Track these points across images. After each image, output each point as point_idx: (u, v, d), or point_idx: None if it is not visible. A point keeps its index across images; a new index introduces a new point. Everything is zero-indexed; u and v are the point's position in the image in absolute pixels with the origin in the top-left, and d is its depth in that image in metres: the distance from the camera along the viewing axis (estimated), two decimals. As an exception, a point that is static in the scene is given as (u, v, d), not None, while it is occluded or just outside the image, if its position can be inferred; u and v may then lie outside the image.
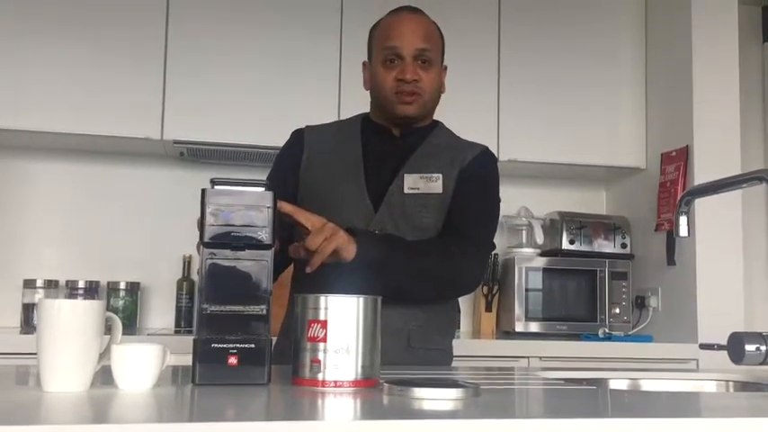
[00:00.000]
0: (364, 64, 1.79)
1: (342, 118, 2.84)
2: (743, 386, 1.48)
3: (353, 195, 1.66)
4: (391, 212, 1.66)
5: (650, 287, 3.03)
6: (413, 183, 1.68)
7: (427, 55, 1.67)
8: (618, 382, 1.49)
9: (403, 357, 1.58)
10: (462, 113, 3.00)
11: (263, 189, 1.16)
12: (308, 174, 1.70)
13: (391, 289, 1.49)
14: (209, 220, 1.13)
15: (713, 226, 2.78)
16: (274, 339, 1.61)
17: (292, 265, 1.77)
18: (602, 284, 3.03)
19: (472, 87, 3.00)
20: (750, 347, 1.21)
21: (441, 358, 1.71)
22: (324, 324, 1.09)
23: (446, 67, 1.78)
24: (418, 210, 1.65)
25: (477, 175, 1.72)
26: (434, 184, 1.69)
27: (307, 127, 1.80)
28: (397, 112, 1.68)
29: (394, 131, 1.73)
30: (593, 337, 2.87)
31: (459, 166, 1.71)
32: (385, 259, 1.52)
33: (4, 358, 2.16)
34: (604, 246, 3.09)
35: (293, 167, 1.72)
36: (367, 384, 1.10)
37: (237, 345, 1.11)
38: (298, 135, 1.78)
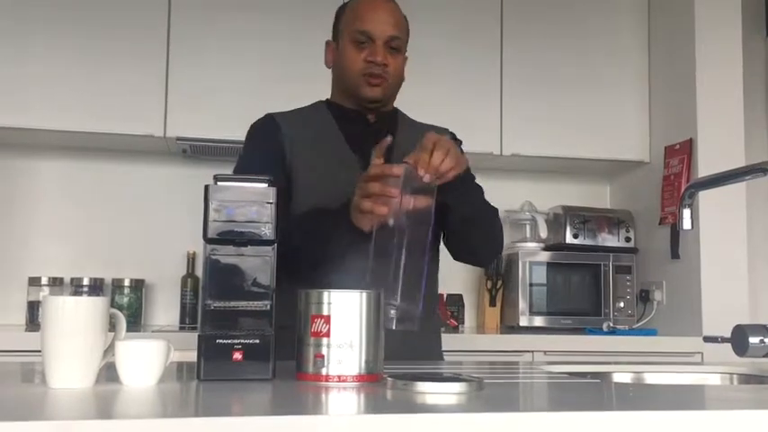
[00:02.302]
0: (328, 43, 1.78)
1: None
2: (747, 379, 1.48)
3: (353, 185, 1.61)
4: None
5: (654, 281, 3.02)
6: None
7: (397, 42, 1.68)
8: (622, 376, 1.49)
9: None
10: (465, 108, 3.01)
11: (266, 185, 1.17)
12: (299, 162, 1.65)
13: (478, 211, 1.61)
14: (211, 215, 1.13)
15: (717, 219, 2.78)
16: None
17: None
18: (607, 278, 3.03)
19: (475, 82, 2.99)
20: (754, 339, 1.21)
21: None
22: (327, 319, 1.09)
23: (407, 58, 1.78)
24: (415, 197, 1.65)
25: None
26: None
27: (275, 114, 1.75)
28: (363, 93, 1.67)
29: (368, 117, 1.72)
30: (597, 331, 2.87)
31: None
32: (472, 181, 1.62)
33: (9, 356, 2.17)
34: (608, 240, 3.09)
35: (277, 155, 1.66)
36: (370, 379, 1.10)
37: (242, 340, 1.11)
38: (270, 122, 1.72)
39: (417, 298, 1.33)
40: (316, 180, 1.64)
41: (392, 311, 1.29)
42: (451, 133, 1.80)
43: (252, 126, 1.75)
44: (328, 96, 1.81)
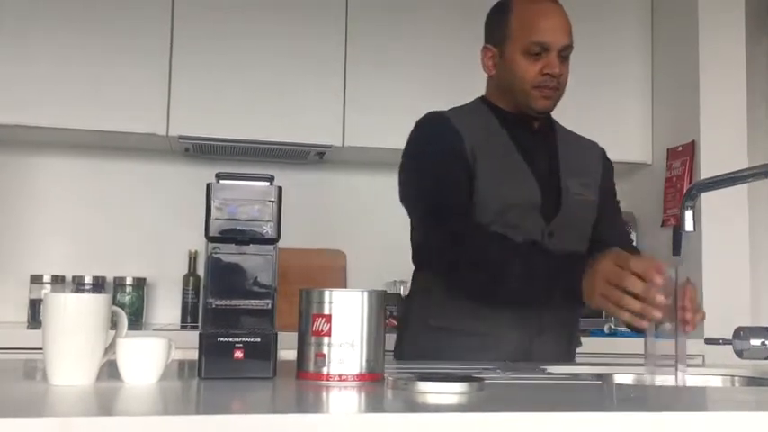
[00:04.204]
0: (487, 48, 1.69)
1: (349, 113, 2.87)
2: (748, 381, 1.48)
3: (532, 195, 1.60)
4: (567, 217, 1.63)
5: (656, 283, 3.01)
6: (575, 187, 1.65)
7: (569, 50, 1.63)
8: (623, 377, 1.48)
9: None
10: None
11: (269, 184, 1.17)
12: (478, 167, 1.59)
13: None
14: (214, 214, 1.14)
15: (719, 221, 2.77)
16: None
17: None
18: (608, 280, 3.02)
19: (473, 82, 2.98)
20: (755, 342, 1.21)
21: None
22: (328, 318, 1.09)
23: None
24: (583, 215, 1.65)
25: (613, 183, 1.79)
26: (590, 190, 1.68)
27: (446, 113, 1.67)
28: (535, 106, 1.62)
29: (534, 124, 1.67)
30: (598, 332, 2.86)
31: (595, 172, 1.72)
32: None
33: (11, 353, 2.17)
34: (610, 241, 3.08)
35: (461, 157, 1.59)
36: (371, 378, 1.10)
37: (243, 339, 1.11)
38: (446, 121, 1.64)
39: None
40: (495, 187, 1.59)
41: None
42: (601, 148, 1.81)
43: (428, 123, 1.67)
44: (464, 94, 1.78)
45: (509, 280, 1.46)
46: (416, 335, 1.67)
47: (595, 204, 1.70)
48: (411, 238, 1.74)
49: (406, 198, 1.66)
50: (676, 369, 1.28)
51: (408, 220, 1.73)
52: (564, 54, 1.62)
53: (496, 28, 1.68)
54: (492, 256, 1.49)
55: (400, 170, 1.68)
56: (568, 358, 1.73)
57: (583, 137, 1.80)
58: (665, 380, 1.42)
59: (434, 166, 1.60)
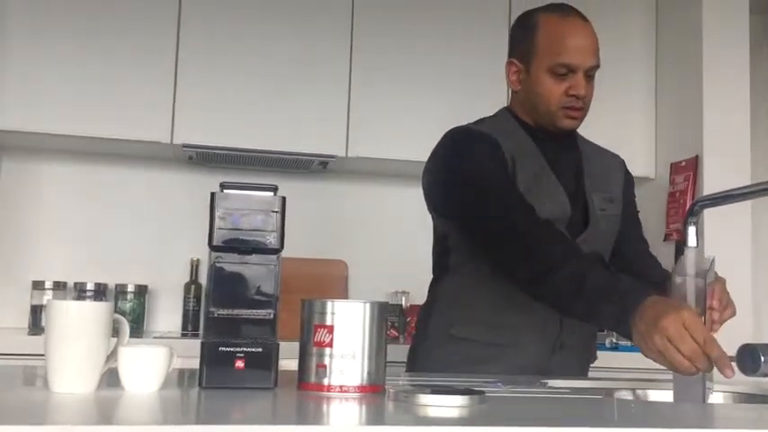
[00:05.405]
0: (511, 63, 1.66)
1: (353, 123, 2.87)
2: (749, 398, 1.47)
3: (563, 210, 1.58)
4: (596, 232, 1.62)
5: (658, 297, 3.01)
6: (599, 202, 1.65)
7: (595, 70, 1.62)
8: (624, 392, 1.48)
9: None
10: (465, 119, 3.00)
11: (273, 194, 1.17)
12: (517, 179, 1.57)
13: None
14: (217, 223, 1.14)
15: (722, 236, 2.77)
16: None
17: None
18: (610, 294, 3.01)
19: (477, 92, 2.99)
20: (765, 358, 1.20)
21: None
22: (330, 329, 1.09)
23: None
24: (607, 230, 1.65)
25: (634, 196, 1.80)
26: (613, 205, 1.68)
27: (482, 128, 1.63)
28: (561, 125, 1.60)
29: (559, 138, 1.66)
30: (600, 346, 2.84)
31: (617, 186, 1.72)
32: None
33: (12, 359, 2.17)
34: (612, 255, 3.08)
35: (505, 167, 1.57)
36: (372, 390, 1.10)
37: (245, 348, 1.11)
38: (491, 138, 1.59)
39: None
40: (530, 200, 1.54)
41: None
42: (621, 160, 1.81)
43: (466, 133, 1.63)
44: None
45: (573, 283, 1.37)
46: (435, 345, 1.65)
47: (618, 219, 1.70)
48: (434, 247, 1.71)
49: (452, 207, 1.59)
50: (703, 385, 1.26)
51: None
52: (590, 74, 1.61)
53: (522, 43, 1.64)
54: (573, 254, 1.42)
55: (440, 179, 1.62)
56: (584, 374, 1.72)
57: (604, 148, 1.79)
58: (663, 395, 1.42)
59: (489, 173, 1.54)
